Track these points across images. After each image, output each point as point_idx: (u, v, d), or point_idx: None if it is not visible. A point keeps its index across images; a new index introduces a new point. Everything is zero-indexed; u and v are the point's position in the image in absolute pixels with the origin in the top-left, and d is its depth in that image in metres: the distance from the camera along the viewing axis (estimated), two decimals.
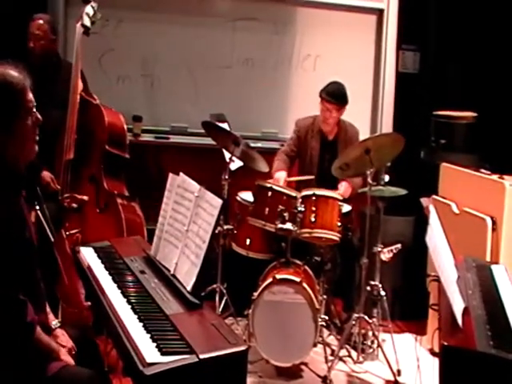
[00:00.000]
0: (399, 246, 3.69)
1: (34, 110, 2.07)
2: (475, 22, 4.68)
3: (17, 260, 1.96)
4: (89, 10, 3.65)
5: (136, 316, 2.08)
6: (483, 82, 4.57)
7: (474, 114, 4.38)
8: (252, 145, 3.89)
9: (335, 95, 3.94)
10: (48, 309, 2.24)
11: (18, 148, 2.04)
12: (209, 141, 4.01)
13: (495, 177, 3.52)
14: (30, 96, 2.06)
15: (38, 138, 2.10)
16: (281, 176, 3.94)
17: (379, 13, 4.98)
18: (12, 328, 1.92)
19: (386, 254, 3.65)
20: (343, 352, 3.75)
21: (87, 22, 3.64)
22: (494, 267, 2.79)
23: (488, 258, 3.38)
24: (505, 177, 3.48)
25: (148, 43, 4.70)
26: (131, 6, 4.66)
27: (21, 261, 1.98)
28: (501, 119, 4.42)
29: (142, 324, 2.02)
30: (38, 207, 3.04)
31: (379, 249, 3.63)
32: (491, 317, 2.21)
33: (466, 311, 2.21)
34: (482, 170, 3.67)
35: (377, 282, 3.64)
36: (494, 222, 3.41)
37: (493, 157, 4.02)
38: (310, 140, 4.09)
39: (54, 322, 2.21)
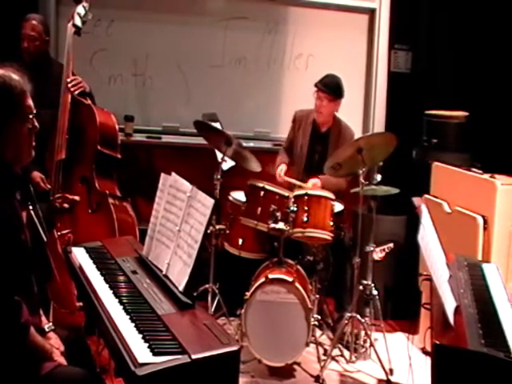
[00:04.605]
0: (391, 245, 3.70)
1: (32, 116, 2.06)
2: (467, 21, 4.69)
3: (12, 261, 1.95)
4: (80, 9, 3.64)
5: (128, 316, 2.07)
6: (475, 81, 4.58)
7: (466, 114, 4.39)
8: (244, 144, 3.89)
9: (328, 85, 3.99)
10: (41, 311, 2.23)
11: (14, 151, 2.03)
12: (201, 140, 4.01)
13: (487, 176, 3.53)
14: (29, 102, 2.05)
15: (34, 143, 2.09)
16: (281, 168, 4.05)
17: (371, 12, 4.99)
18: (6, 329, 1.91)
19: (378, 254, 3.66)
20: (336, 351, 3.76)
21: (78, 21, 3.63)
22: (485, 266, 2.81)
23: (479, 257, 3.40)
24: (496, 176, 3.49)
25: (140, 43, 4.69)
26: (123, 6, 4.65)
27: (16, 262, 1.97)
28: (492, 119, 4.43)
29: (133, 324, 2.01)
30: (31, 207, 3.03)
31: (371, 248, 3.64)
32: (482, 315, 2.23)
33: (457, 310, 2.22)
34: (474, 170, 3.69)
35: (369, 282, 3.65)
36: (485, 221, 3.43)
37: (484, 156, 4.04)
38: (302, 131, 4.13)
39: (47, 326, 2.20)
